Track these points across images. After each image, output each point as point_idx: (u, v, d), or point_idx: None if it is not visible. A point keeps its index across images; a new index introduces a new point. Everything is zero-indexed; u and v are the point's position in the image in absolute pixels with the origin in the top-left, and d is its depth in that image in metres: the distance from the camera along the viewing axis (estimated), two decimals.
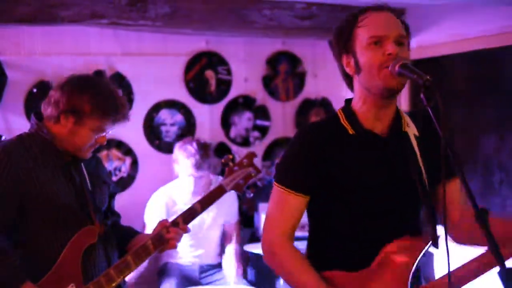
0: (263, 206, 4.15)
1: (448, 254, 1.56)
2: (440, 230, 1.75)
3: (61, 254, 2.06)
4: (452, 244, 1.76)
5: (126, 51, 4.18)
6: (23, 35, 3.90)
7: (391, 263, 1.77)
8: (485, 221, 1.44)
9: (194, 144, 3.72)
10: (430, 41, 3.99)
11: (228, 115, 4.55)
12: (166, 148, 4.24)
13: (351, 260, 1.82)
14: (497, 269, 1.67)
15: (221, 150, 4.37)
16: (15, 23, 3.52)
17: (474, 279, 1.74)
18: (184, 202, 3.71)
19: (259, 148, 4.56)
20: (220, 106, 4.52)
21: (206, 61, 4.44)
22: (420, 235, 1.84)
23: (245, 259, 3.99)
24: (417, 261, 1.76)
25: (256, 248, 3.59)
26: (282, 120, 4.71)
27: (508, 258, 1.60)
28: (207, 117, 4.47)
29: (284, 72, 4.70)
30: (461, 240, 1.90)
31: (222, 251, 3.93)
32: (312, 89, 4.76)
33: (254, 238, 4.19)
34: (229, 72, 4.52)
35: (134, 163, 4.25)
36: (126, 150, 4.22)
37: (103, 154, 4.09)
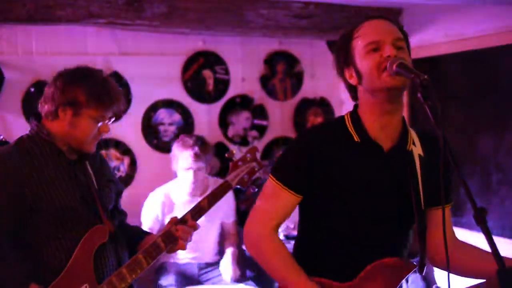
0: None
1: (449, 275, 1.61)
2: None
3: (73, 254, 2.03)
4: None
5: (124, 51, 4.18)
6: (20, 35, 3.89)
7: (375, 279, 1.79)
8: (483, 220, 1.44)
9: (193, 137, 3.72)
10: (427, 41, 3.98)
11: (226, 114, 4.54)
12: (164, 147, 4.24)
13: (337, 268, 1.84)
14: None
15: (220, 149, 4.37)
16: (12, 23, 3.52)
17: None
18: (182, 201, 3.70)
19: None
20: (218, 106, 4.52)
21: (204, 61, 4.44)
22: (405, 252, 1.89)
23: (244, 259, 3.98)
24: (400, 283, 1.79)
25: None
26: (280, 119, 4.70)
27: None
28: (205, 117, 4.47)
29: (281, 72, 4.70)
30: (443, 266, 1.89)
31: (220, 250, 3.92)
32: (309, 88, 4.76)
33: None
34: (227, 71, 4.52)
35: (133, 163, 4.25)
36: (124, 149, 4.22)
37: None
